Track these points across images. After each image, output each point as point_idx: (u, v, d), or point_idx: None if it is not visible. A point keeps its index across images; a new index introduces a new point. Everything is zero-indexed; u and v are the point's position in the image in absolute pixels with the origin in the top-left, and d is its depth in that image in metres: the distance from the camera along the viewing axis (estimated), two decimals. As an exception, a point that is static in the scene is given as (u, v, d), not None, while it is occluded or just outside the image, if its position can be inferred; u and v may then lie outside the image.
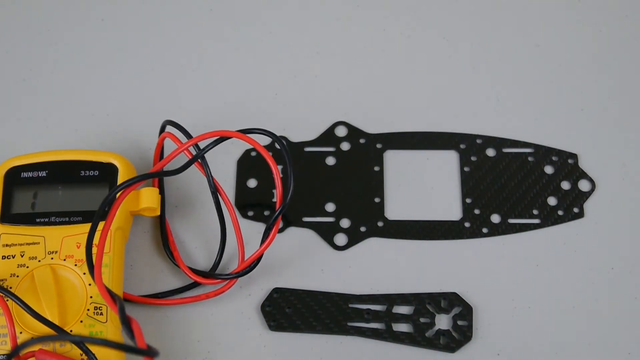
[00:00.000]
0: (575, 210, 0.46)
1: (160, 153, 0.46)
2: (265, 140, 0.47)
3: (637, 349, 0.42)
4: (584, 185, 0.47)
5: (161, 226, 0.45)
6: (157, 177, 0.41)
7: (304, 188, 0.47)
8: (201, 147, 0.42)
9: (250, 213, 0.46)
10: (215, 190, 0.43)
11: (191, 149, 0.43)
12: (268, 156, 0.42)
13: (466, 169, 0.47)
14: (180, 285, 0.44)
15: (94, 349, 0.38)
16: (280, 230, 0.46)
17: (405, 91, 0.50)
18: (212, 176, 0.43)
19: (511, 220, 0.46)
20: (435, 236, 0.46)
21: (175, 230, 0.46)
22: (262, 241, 0.42)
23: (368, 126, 0.49)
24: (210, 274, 0.43)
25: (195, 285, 0.44)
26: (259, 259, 0.42)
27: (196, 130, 0.46)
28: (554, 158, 0.48)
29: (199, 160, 0.43)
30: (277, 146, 0.48)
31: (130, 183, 0.39)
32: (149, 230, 0.46)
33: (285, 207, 0.41)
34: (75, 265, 0.40)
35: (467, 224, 0.46)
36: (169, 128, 0.45)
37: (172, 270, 0.44)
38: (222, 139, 0.42)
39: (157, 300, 0.43)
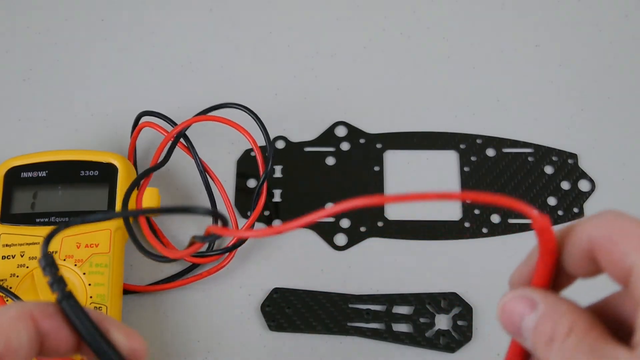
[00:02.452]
0: (575, 210, 0.46)
1: (135, 146, 0.47)
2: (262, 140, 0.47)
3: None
4: (583, 185, 0.47)
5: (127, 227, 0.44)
6: (152, 172, 0.43)
7: (304, 188, 0.47)
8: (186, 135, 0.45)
9: (250, 213, 0.46)
10: (202, 168, 0.45)
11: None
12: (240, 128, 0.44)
13: (466, 169, 0.47)
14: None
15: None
16: (280, 230, 0.46)
17: (405, 91, 0.50)
18: (198, 157, 0.45)
19: (511, 220, 0.46)
20: (435, 236, 0.46)
21: (176, 229, 0.46)
22: (251, 213, 0.44)
23: (368, 126, 0.49)
24: (201, 253, 0.44)
25: (191, 269, 0.44)
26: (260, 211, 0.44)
27: (196, 130, 0.47)
28: (554, 158, 0.48)
29: (183, 142, 0.45)
30: (278, 146, 0.48)
31: (134, 185, 0.41)
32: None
33: (268, 173, 0.44)
34: (75, 265, 0.40)
35: (467, 224, 0.46)
36: (147, 119, 0.46)
37: (171, 267, 0.44)
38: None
39: (158, 287, 0.43)
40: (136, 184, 0.42)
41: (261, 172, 0.44)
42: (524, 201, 0.23)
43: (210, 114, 0.46)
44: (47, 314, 0.24)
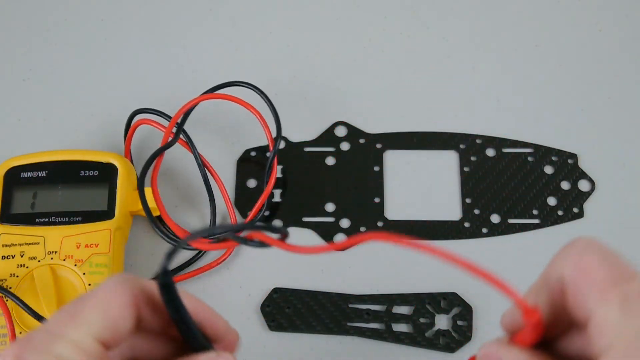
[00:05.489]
0: (575, 210, 0.46)
1: (130, 145, 0.47)
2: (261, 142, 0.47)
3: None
4: (583, 185, 0.47)
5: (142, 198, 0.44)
6: (164, 150, 0.44)
7: (304, 188, 0.47)
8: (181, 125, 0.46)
9: (250, 213, 0.46)
10: (200, 161, 0.45)
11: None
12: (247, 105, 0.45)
13: (466, 169, 0.47)
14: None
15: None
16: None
17: (405, 91, 0.50)
18: (197, 151, 0.45)
19: (511, 220, 0.46)
20: (435, 236, 0.46)
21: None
22: (266, 183, 0.44)
23: (368, 126, 0.49)
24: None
25: (194, 260, 0.44)
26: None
27: (197, 130, 0.47)
28: (553, 158, 0.48)
29: (183, 138, 0.45)
30: (281, 146, 0.48)
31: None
32: (149, 231, 0.46)
33: (277, 148, 0.45)
34: (75, 265, 0.40)
35: (467, 224, 0.46)
36: (140, 116, 0.46)
37: (171, 267, 0.44)
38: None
39: None
40: (150, 163, 0.43)
41: (271, 148, 0.45)
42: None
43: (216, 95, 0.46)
44: (147, 301, 0.24)
